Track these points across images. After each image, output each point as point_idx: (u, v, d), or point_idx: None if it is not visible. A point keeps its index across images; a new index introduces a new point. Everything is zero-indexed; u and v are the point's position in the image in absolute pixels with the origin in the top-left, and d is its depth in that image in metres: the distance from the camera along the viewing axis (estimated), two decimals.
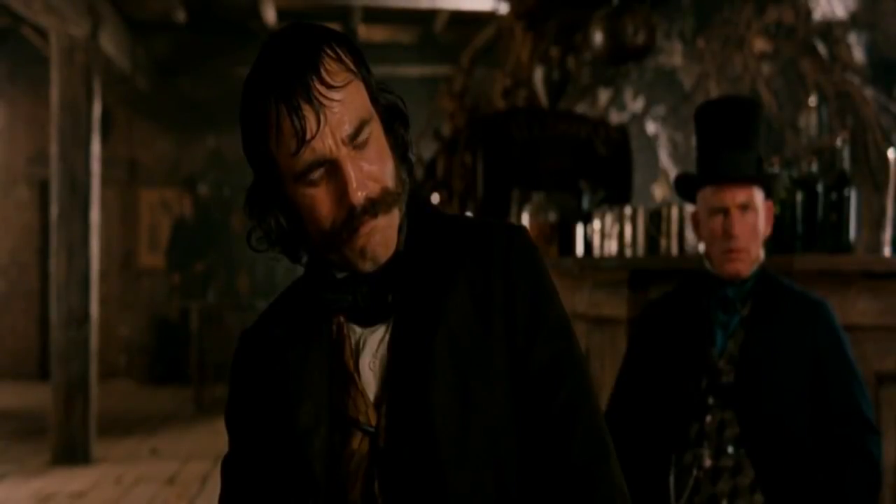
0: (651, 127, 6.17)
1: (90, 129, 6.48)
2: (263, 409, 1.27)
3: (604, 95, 6.96)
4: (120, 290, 10.51)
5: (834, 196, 2.92)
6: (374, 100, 1.20)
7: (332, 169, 1.16)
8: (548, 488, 1.20)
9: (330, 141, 1.14)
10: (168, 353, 10.03)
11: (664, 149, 5.99)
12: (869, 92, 3.89)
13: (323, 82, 1.13)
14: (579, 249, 3.94)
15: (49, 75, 6.50)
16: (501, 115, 5.11)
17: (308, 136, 1.13)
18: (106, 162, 8.02)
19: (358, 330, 1.25)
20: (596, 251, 3.76)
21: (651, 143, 6.12)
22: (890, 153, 3.10)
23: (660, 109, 6.09)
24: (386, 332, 1.24)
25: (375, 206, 1.17)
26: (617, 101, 6.73)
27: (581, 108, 6.92)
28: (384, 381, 1.22)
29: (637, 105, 6.42)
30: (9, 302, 10.29)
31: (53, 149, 6.43)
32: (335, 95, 1.13)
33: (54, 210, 6.43)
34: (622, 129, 4.78)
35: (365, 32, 8.97)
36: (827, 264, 2.76)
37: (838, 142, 2.99)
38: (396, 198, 1.21)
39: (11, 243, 10.33)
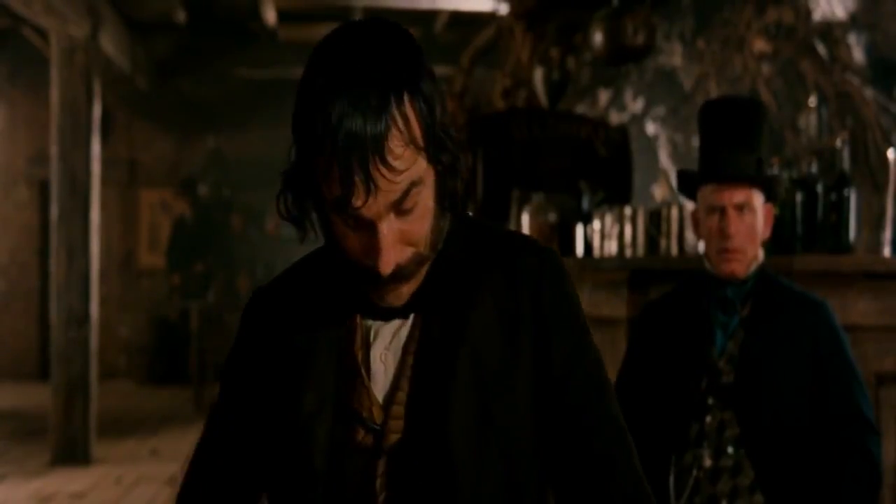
0: (651, 127, 6.17)
1: (90, 130, 6.48)
2: (266, 381, 1.25)
3: (604, 96, 6.96)
4: (120, 291, 10.51)
5: (834, 196, 2.92)
6: (431, 155, 1.13)
7: (370, 226, 1.11)
8: (570, 482, 1.21)
9: (374, 208, 1.09)
10: (168, 353, 10.04)
11: (664, 149, 5.99)
12: (869, 92, 3.89)
13: (385, 163, 1.07)
14: (579, 250, 3.94)
15: (49, 76, 6.51)
16: (501, 116, 5.11)
17: (354, 204, 1.08)
18: (106, 162, 8.02)
19: (371, 320, 1.22)
20: (596, 251, 3.76)
21: (651, 143, 6.12)
22: (890, 153, 3.10)
23: (660, 110, 6.09)
24: (402, 326, 1.21)
25: (403, 273, 1.15)
26: (617, 102, 6.73)
27: (581, 108, 6.92)
28: (395, 379, 1.20)
29: (637, 106, 6.42)
30: (9, 302, 10.29)
31: (53, 149, 6.44)
32: (393, 175, 1.08)
33: (54, 210, 6.43)
34: (622, 130, 4.78)
35: None
36: (827, 265, 2.76)
37: (838, 142, 2.99)
38: (427, 258, 1.18)
39: (11, 243, 10.34)
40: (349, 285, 1.20)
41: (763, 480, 2.23)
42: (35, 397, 8.64)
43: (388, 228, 1.11)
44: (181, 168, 10.61)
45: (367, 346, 1.22)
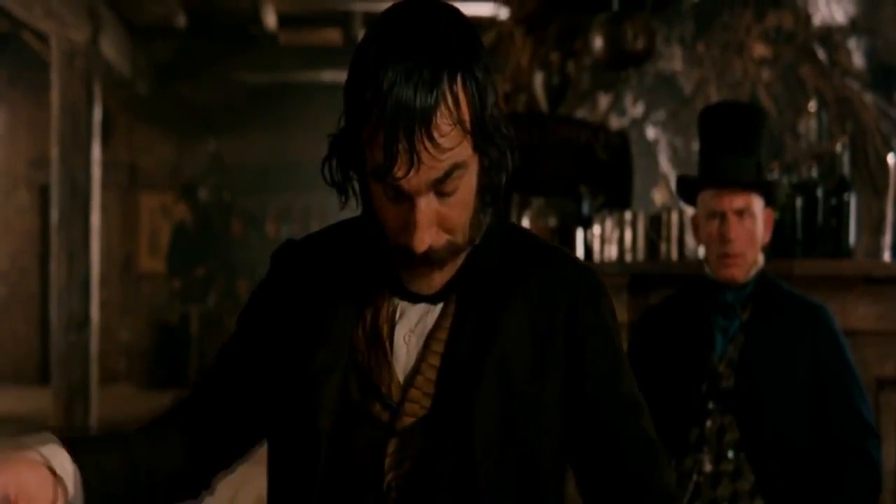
0: (651, 132, 6.18)
1: (90, 134, 6.49)
2: (282, 330, 1.25)
3: (604, 100, 6.97)
4: (120, 295, 10.51)
5: (834, 201, 2.92)
6: (477, 143, 1.12)
7: (409, 199, 1.10)
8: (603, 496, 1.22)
9: (414, 182, 1.08)
10: (168, 357, 10.03)
11: (664, 154, 6.00)
12: (868, 97, 3.90)
13: (430, 138, 1.06)
14: (579, 254, 3.95)
15: (49, 80, 6.52)
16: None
17: (395, 174, 1.08)
18: (106, 166, 8.03)
19: (397, 299, 1.21)
20: (596, 256, 3.77)
21: (651, 148, 6.13)
22: (889, 158, 3.11)
23: (660, 114, 6.09)
24: (429, 311, 1.21)
25: (435, 257, 1.14)
26: (617, 106, 6.74)
27: (581, 113, 6.93)
28: (417, 362, 1.19)
29: (637, 110, 6.43)
30: (9, 306, 10.29)
31: (54, 153, 6.45)
32: (437, 152, 1.07)
33: (55, 214, 6.44)
34: (622, 134, 4.78)
35: None
36: (827, 269, 2.77)
37: (838, 147, 3.00)
38: (461, 249, 1.17)
39: (12, 248, 10.33)
40: (381, 261, 1.19)
41: (763, 485, 2.23)
42: (35, 401, 8.63)
43: (427, 206, 1.10)
44: (181, 172, 10.62)
45: (391, 323, 1.21)
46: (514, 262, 1.23)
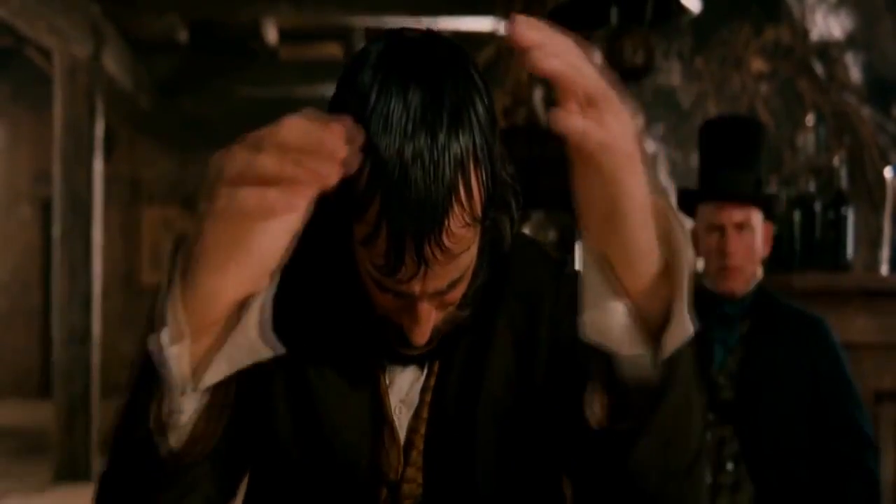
0: (650, 146, 6.20)
1: (92, 148, 6.51)
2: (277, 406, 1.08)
3: None
4: (122, 308, 10.51)
5: (831, 214, 2.94)
6: (489, 220, 0.97)
7: (408, 297, 0.96)
8: None
9: (417, 288, 0.94)
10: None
11: (663, 167, 6.02)
12: (866, 111, 3.92)
13: (440, 246, 0.90)
14: (578, 267, 3.96)
15: (52, 95, 6.54)
16: (501, 134, 5.12)
17: (398, 281, 0.93)
18: (108, 181, 8.05)
19: (386, 362, 1.08)
20: None
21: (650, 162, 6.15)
22: (886, 172, 3.13)
23: (658, 128, 6.12)
24: (419, 377, 1.08)
25: (435, 336, 1.01)
26: None
27: None
28: (410, 430, 1.08)
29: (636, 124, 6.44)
30: (11, 320, 10.30)
31: (56, 168, 6.46)
32: (448, 259, 0.92)
33: (57, 228, 6.46)
34: None
35: None
36: (825, 282, 2.78)
37: (835, 161, 3.02)
38: (462, 318, 1.03)
39: (14, 261, 10.35)
40: (368, 328, 1.04)
41: (762, 496, 2.24)
42: (37, 414, 8.63)
43: (428, 305, 0.97)
44: (183, 186, 10.64)
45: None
46: (496, 283, 1.08)
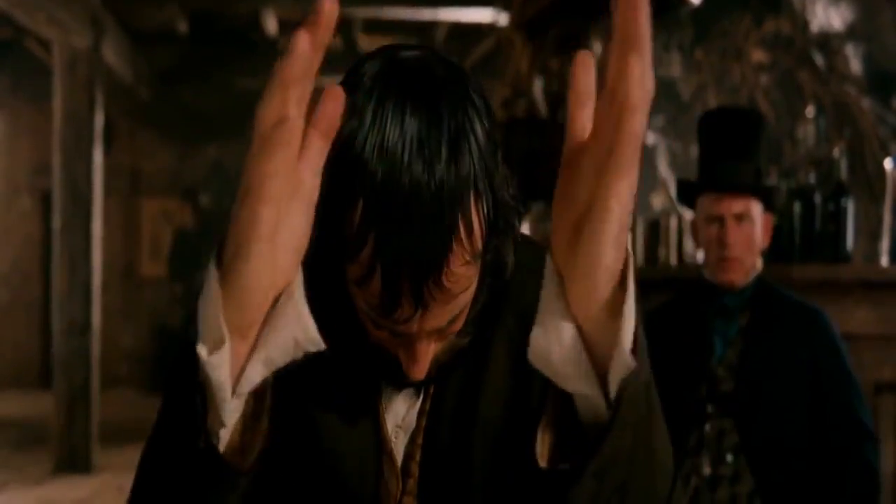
0: (650, 137, 6.20)
1: (92, 140, 6.51)
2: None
3: None
4: (122, 300, 10.52)
5: (831, 206, 2.94)
6: (487, 251, 0.91)
7: (404, 337, 0.92)
8: None
9: (415, 328, 0.89)
10: (169, 362, 10.04)
11: (663, 159, 6.01)
12: (866, 103, 3.92)
13: (439, 286, 0.85)
14: None
15: (52, 86, 6.54)
16: (501, 126, 5.13)
17: (394, 321, 0.88)
18: (108, 172, 8.04)
19: (382, 385, 1.04)
20: None
21: (650, 153, 6.15)
22: (887, 163, 3.13)
23: (658, 120, 6.11)
24: (416, 401, 1.04)
25: (434, 368, 0.97)
26: None
27: None
28: (407, 457, 1.03)
29: None
30: (11, 311, 10.31)
31: (56, 159, 6.46)
32: (447, 298, 0.87)
33: (56, 220, 6.46)
34: None
35: (366, 43, 9.01)
36: (825, 274, 2.79)
37: (835, 152, 3.02)
38: (461, 346, 0.99)
39: (14, 253, 10.36)
40: (364, 356, 0.99)
41: (762, 488, 2.25)
42: (37, 406, 8.64)
43: (426, 343, 0.93)
44: (183, 178, 10.64)
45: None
46: (493, 300, 1.00)
